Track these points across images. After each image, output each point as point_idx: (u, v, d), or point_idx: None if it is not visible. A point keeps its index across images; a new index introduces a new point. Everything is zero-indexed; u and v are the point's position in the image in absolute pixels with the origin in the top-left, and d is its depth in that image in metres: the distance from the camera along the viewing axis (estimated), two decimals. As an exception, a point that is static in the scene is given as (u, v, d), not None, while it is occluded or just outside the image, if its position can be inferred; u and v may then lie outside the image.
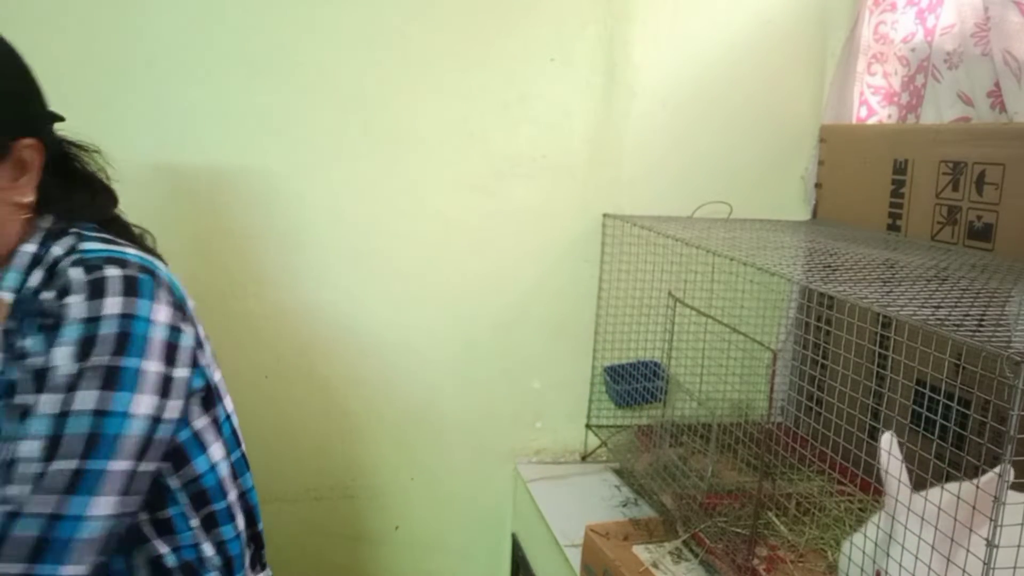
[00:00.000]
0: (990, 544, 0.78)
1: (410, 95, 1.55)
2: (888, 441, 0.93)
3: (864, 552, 0.96)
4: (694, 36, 1.68)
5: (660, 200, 1.71)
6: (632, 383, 1.72)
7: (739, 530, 1.24)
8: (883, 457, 0.93)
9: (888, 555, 0.91)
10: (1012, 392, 0.72)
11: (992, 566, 0.78)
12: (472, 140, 1.60)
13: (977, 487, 0.83)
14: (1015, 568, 0.79)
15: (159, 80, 1.44)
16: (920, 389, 1.20)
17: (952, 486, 0.85)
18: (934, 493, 0.87)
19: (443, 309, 1.65)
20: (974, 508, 0.83)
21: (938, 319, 0.84)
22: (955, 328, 0.80)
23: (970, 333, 0.79)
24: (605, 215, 1.68)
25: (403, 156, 1.57)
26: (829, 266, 1.16)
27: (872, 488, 1.22)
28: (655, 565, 1.23)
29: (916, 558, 0.86)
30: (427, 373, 1.68)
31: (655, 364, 1.70)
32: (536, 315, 1.71)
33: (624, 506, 1.51)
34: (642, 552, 1.26)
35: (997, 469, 0.79)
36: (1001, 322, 0.85)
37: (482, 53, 1.58)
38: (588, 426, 1.77)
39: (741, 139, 1.74)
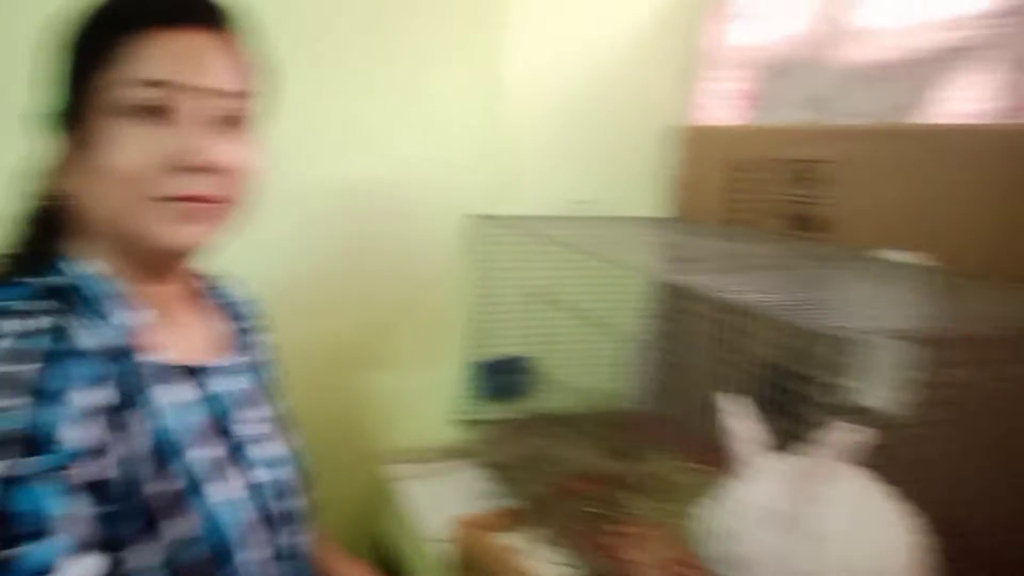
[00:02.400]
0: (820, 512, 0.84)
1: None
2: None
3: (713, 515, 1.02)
4: (572, 40, 1.72)
5: (534, 199, 1.73)
6: (501, 378, 1.74)
7: (601, 511, 1.28)
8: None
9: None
10: (835, 367, 0.79)
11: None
12: (352, 141, 1.57)
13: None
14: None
15: None
16: (763, 370, 1.28)
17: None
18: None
19: (303, 306, 1.61)
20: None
21: (775, 303, 0.90)
22: (789, 311, 0.87)
23: (800, 314, 0.86)
24: (478, 215, 1.69)
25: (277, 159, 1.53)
26: (683, 258, 1.22)
27: (722, 464, 1.29)
28: (522, 552, 1.25)
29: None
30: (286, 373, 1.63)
31: (524, 359, 1.73)
32: (405, 312, 1.70)
33: (493, 498, 1.52)
34: (510, 540, 1.28)
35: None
36: (829, 305, 0.92)
37: (362, 54, 1.55)
38: (457, 422, 1.77)
39: (613, 140, 1.80)
